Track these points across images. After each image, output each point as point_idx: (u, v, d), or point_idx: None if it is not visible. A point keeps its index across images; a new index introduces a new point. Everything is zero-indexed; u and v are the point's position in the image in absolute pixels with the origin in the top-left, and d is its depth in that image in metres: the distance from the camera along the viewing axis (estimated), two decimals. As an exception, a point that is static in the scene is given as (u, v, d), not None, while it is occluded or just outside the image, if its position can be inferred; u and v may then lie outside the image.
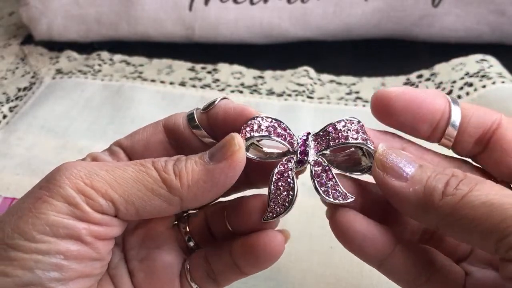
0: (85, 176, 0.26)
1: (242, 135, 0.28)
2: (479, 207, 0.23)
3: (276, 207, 0.28)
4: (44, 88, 0.59)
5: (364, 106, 0.54)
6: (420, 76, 0.57)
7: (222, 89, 0.57)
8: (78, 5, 0.63)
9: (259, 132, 0.28)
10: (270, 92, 0.57)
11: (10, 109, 0.56)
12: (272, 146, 0.29)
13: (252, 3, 0.62)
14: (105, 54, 0.63)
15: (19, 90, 0.59)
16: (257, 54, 0.64)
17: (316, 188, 0.28)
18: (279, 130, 0.28)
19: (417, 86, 0.56)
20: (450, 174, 0.25)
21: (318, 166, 0.28)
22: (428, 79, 0.56)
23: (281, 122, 0.28)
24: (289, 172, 0.28)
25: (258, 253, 0.29)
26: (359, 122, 0.28)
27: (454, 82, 0.54)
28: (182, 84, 0.59)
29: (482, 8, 0.60)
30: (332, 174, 0.28)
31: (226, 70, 0.60)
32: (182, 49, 0.65)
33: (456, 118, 0.28)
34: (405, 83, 0.57)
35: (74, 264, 0.25)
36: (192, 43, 0.66)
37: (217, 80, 0.59)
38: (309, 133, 0.29)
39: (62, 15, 0.64)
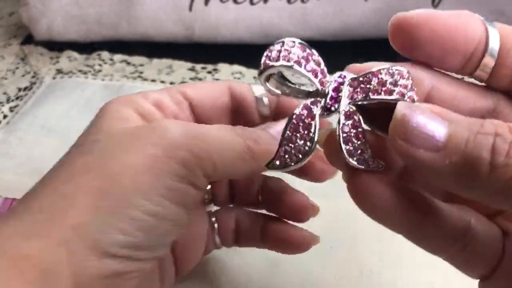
0: (194, 139, 0.24)
1: (263, 61, 0.24)
2: None
3: (287, 155, 0.23)
4: (44, 88, 0.59)
5: (364, 106, 0.54)
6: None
7: (222, 89, 0.57)
8: (78, 5, 0.63)
9: (285, 60, 0.23)
10: (270, 92, 0.57)
11: (11, 109, 0.56)
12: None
13: (252, 3, 0.62)
14: (105, 54, 0.63)
15: (19, 90, 0.59)
16: (257, 54, 0.63)
17: (339, 144, 0.23)
18: (311, 63, 0.23)
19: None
20: (492, 132, 0.19)
21: (349, 119, 0.23)
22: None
23: (314, 53, 0.23)
24: (312, 117, 0.23)
25: (290, 247, 0.31)
26: (409, 75, 0.23)
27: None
28: (183, 84, 0.59)
29: (482, 8, 0.60)
30: (363, 133, 0.23)
31: (226, 70, 0.60)
32: (182, 49, 0.65)
33: (494, 46, 0.23)
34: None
35: (176, 230, 0.25)
36: (192, 43, 0.66)
37: (218, 80, 0.59)
38: (345, 76, 0.24)
39: (62, 15, 0.64)
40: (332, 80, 0.23)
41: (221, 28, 0.63)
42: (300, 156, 0.23)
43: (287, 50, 0.23)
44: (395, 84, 0.22)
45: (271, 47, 0.23)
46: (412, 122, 0.20)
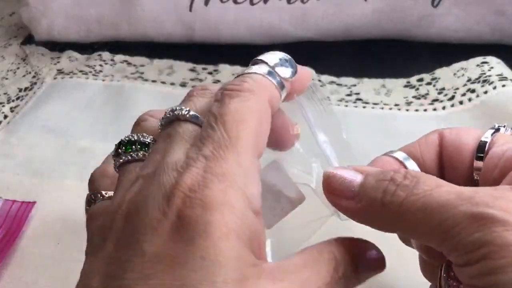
0: None
1: None
2: (416, 214, 0.22)
3: None
4: (45, 88, 0.59)
5: (364, 107, 0.54)
6: (420, 80, 0.57)
7: (223, 90, 0.58)
8: (79, 6, 0.63)
9: None
10: (271, 93, 0.57)
11: (11, 109, 0.56)
12: None
13: (252, 3, 0.62)
14: (106, 55, 0.63)
15: (20, 90, 0.59)
16: (257, 54, 0.63)
17: None
18: None
19: (417, 89, 0.56)
20: (388, 178, 0.23)
21: None
22: (429, 83, 0.56)
23: None
24: None
25: None
26: None
27: (457, 89, 0.54)
28: (183, 84, 0.59)
29: (482, 8, 0.61)
30: None
31: (227, 71, 0.60)
32: (182, 49, 0.65)
33: None
34: (405, 86, 0.57)
35: None
36: (192, 44, 0.66)
37: (218, 80, 0.59)
38: None
39: (62, 15, 0.64)
40: None
41: (221, 29, 0.63)
42: None
43: None
44: None
45: None
46: (333, 180, 0.25)
